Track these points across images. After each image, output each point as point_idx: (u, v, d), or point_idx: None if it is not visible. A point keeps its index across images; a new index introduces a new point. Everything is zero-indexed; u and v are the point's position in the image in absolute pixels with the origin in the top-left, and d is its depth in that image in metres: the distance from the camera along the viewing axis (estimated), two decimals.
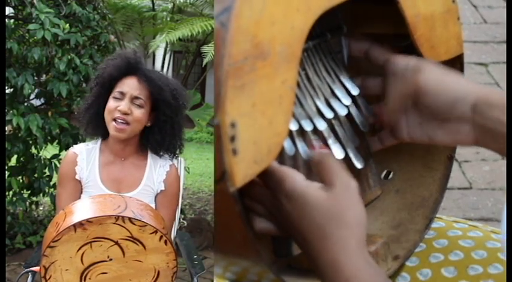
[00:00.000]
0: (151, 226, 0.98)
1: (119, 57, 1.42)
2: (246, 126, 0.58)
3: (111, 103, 1.36)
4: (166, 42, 4.26)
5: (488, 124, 0.71)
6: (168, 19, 4.60)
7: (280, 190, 0.66)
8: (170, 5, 4.79)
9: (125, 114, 1.34)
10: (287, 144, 0.73)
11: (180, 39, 4.30)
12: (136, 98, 1.37)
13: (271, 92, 0.61)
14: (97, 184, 1.38)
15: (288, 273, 0.74)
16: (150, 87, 1.38)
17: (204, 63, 4.17)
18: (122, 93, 1.37)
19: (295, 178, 0.66)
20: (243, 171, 0.59)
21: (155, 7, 4.74)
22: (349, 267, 0.63)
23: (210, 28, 4.07)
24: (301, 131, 0.75)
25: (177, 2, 4.70)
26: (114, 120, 1.35)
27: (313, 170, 0.70)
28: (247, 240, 0.64)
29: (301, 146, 0.74)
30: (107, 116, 1.36)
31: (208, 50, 4.07)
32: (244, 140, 0.58)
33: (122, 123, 1.35)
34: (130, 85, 1.37)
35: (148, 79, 1.39)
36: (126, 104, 1.35)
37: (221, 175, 0.58)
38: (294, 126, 0.73)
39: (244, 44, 0.57)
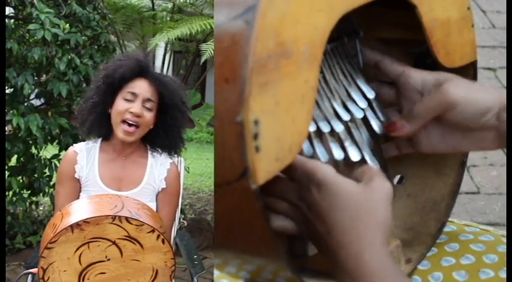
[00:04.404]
0: (148, 225, 0.97)
1: (128, 58, 1.39)
2: (269, 123, 0.58)
3: (122, 104, 1.33)
4: (166, 42, 4.24)
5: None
6: (168, 19, 4.58)
7: (311, 180, 0.66)
8: (170, 5, 4.78)
9: (138, 116, 1.32)
10: (305, 145, 0.73)
11: (180, 39, 4.29)
12: (148, 100, 1.34)
13: (294, 90, 0.61)
14: (96, 182, 1.37)
15: (304, 273, 0.73)
16: (162, 91, 1.36)
17: (202, 60, 4.14)
18: (134, 95, 1.34)
19: (327, 169, 0.66)
20: (265, 168, 0.59)
21: (155, 7, 4.72)
22: (374, 263, 0.62)
23: (209, 27, 4.05)
24: (319, 133, 0.75)
25: (177, 1, 4.68)
26: (124, 122, 1.32)
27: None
28: (266, 237, 0.64)
29: (318, 147, 0.74)
30: (116, 117, 1.33)
31: (207, 47, 4.03)
32: (267, 137, 0.58)
33: (133, 125, 1.32)
34: (142, 87, 1.35)
35: (160, 83, 1.37)
36: (139, 106, 1.33)
37: (242, 172, 0.58)
38: (311, 128, 0.73)
39: (269, 42, 0.57)
